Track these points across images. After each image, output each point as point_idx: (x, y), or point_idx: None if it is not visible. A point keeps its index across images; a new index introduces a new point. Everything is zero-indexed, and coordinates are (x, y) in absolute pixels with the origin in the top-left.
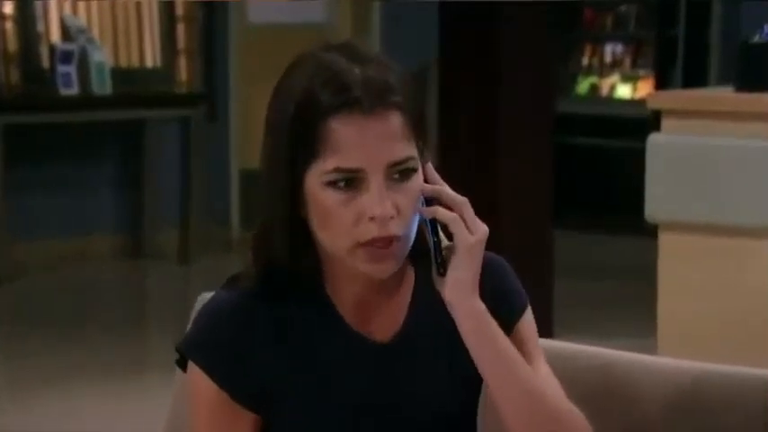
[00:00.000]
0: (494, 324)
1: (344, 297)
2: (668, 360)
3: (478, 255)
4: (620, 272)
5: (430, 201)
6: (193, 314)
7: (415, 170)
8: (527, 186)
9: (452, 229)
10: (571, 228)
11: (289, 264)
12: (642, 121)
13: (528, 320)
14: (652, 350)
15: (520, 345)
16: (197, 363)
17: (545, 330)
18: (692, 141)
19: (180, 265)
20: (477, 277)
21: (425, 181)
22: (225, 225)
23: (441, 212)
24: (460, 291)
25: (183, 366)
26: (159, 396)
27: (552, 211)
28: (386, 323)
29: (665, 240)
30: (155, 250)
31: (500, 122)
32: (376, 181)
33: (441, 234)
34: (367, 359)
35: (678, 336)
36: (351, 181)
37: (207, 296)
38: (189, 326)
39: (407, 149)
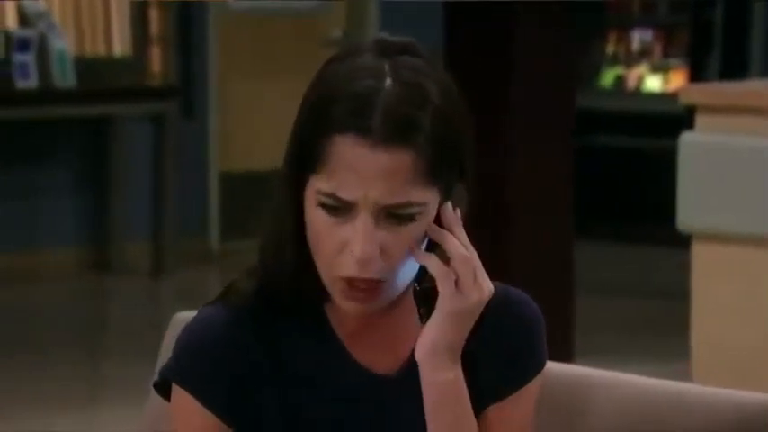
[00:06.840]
0: (463, 398)
1: (347, 321)
2: (703, 389)
3: (464, 322)
4: (649, 288)
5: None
6: (168, 335)
7: (413, 218)
8: (543, 193)
9: (440, 287)
10: (593, 239)
11: (290, 281)
12: (674, 118)
13: (533, 390)
14: (686, 377)
15: (511, 411)
16: (187, 389)
17: (564, 354)
18: (729, 141)
19: (152, 281)
20: (460, 344)
21: (439, 222)
22: (203, 235)
23: (433, 265)
24: (431, 355)
25: (165, 392)
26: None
27: (572, 220)
28: (391, 353)
29: (700, 253)
30: (123, 264)
31: (512, 120)
32: (364, 218)
33: (426, 282)
34: (369, 392)
35: (715, 361)
36: (341, 209)
37: (183, 315)
38: (174, 347)
39: (413, 194)
